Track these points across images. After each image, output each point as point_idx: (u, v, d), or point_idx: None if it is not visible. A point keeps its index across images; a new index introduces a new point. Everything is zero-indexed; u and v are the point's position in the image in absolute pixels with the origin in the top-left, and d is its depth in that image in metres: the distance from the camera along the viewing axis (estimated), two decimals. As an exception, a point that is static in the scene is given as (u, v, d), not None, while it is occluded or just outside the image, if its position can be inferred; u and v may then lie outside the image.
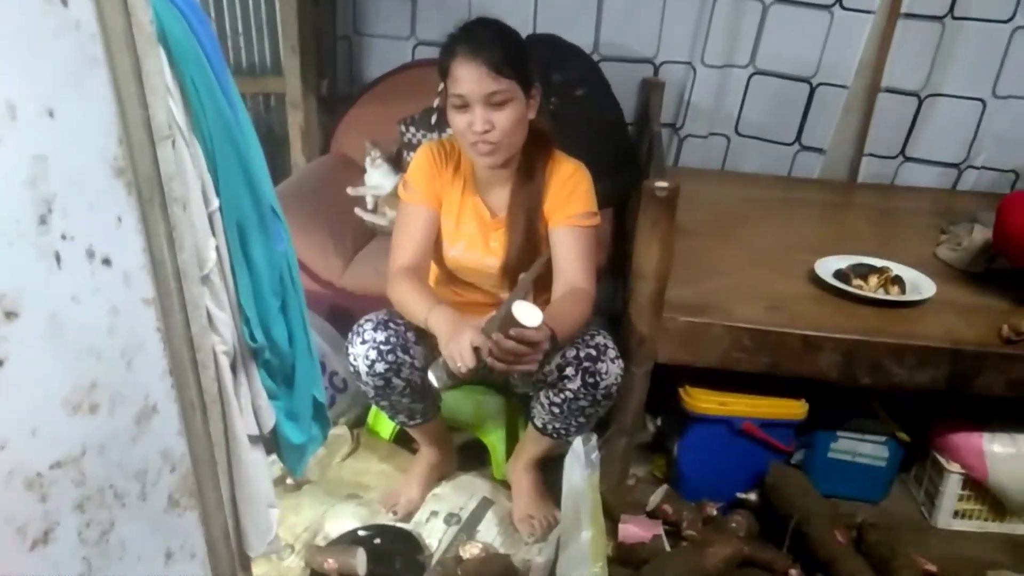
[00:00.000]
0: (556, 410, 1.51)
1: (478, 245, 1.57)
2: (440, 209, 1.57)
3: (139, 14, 0.66)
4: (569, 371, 1.45)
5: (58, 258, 0.61)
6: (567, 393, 1.46)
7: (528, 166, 1.53)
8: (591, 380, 1.44)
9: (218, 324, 0.81)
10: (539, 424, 1.58)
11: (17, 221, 0.59)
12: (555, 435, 1.57)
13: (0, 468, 0.59)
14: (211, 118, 0.76)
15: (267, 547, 0.94)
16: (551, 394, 1.49)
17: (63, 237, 0.62)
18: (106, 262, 0.66)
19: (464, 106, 1.40)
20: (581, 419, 1.52)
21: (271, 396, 0.91)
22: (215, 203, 0.79)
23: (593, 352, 1.44)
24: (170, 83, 0.72)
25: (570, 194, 1.52)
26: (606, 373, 1.44)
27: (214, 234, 0.80)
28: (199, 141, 0.77)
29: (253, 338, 0.85)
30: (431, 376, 1.34)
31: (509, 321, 1.23)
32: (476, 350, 1.26)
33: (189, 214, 0.75)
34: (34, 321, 0.61)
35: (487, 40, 1.39)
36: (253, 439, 0.89)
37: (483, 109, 1.39)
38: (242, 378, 0.87)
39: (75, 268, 0.63)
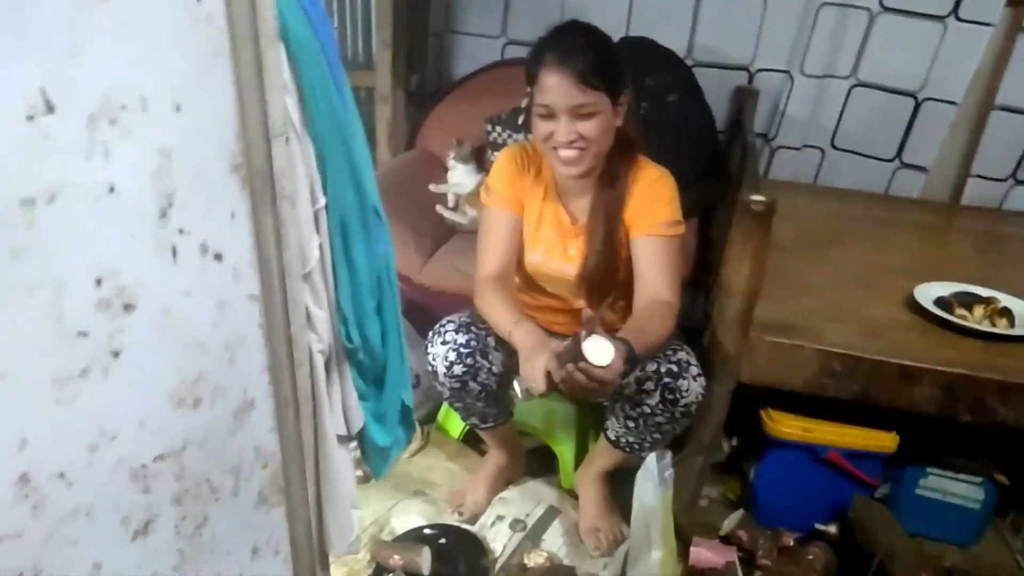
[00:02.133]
0: (632, 424, 1.47)
1: (557, 251, 1.55)
2: (520, 211, 1.54)
3: (263, 9, 0.65)
4: (648, 386, 1.41)
5: (174, 252, 0.62)
6: (644, 408, 1.43)
7: (611, 172, 1.48)
8: (671, 397, 1.40)
9: (316, 322, 0.81)
10: (612, 437, 1.55)
11: (140, 214, 0.59)
12: (628, 449, 1.54)
13: (109, 458, 0.60)
14: (324, 117, 0.75)
15: (348, 547, 0.94)
16: (628, 408, 1.46)
17: (180, 231, 0.62)
18: (218, 257, 0.67)
19: (549, 115, 1.37)
20: (657, 435, 1.48)
21: (361, 397, 0.90)
22: (321, 201, 0.78)
23: (675, 368, 1.40)
24: (288, 80, 0.72)
25: (653, 202, 1.46)
26: (687, 391, 1.40)
27: (318, 232, 0.79)
28: (311, 139, 0.76)
29: (349, 338, 0.84)
30: (515, 387, 1.32)
31: (579, 357, 1.20)
32: (549, 375, 1.24)
33: (296, 211, 0.75)
34: (148, 314, 0.61)
35: (577, 49, 1.34)
36: (341, 439, 0.89)
37: (568, 120, 1.35)
38: (334, 377, 0.87)
39: (189, 262, 0.64)
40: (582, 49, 1.34)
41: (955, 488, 1.69)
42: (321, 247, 0.80)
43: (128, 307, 0.59)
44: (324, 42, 0.74)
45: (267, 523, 0.82)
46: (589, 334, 1.20)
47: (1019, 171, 2.27)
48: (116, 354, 0.59)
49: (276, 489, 0.81)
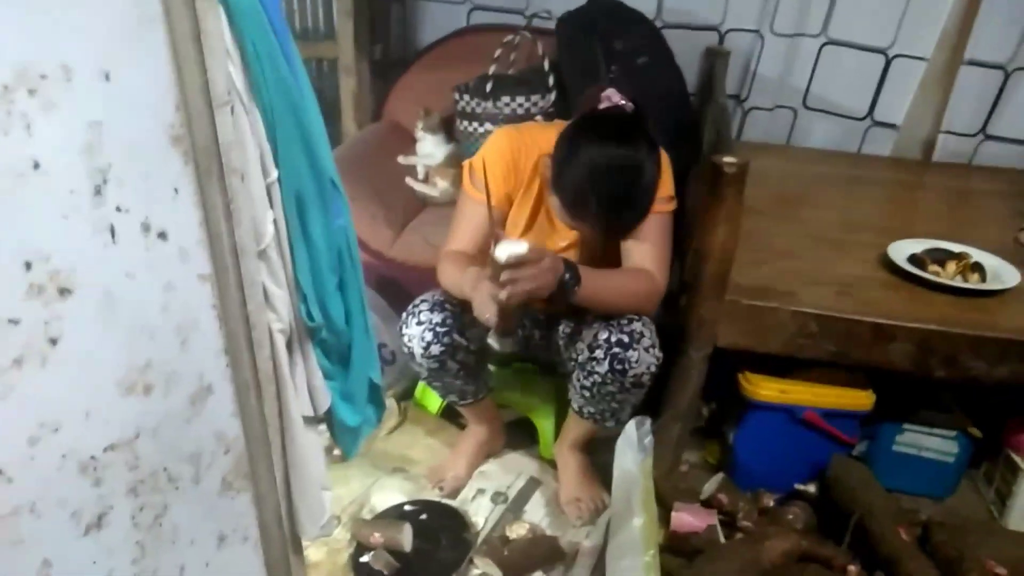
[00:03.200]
0: (587, 393, 1.47)
1: (551, 235, 1.52)
2: (507, 208, 1.49)
3: (198, -30, 0.61)
4: (598, 353, 1.39)
5: (113, 232, 0.58)
6: (595, 377, 1.42)
7: None
8: (619, 367, 1.38)
9: (275, 301, 0.78)
10: (575, 407, 1.54)
11: (72, 192, 0.55)
12: (590, 418, 1.53)
13: (54, 452, 0.57)
14: (272, 84, 0.71)
15: (320, 530, 0.92)
16: (581, 376, 1.45)
17: (118, 209, 0.58)
18: (162, 236, 0.63)
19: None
20: (613, 404, 1.47)
21: (327, 376, 0.88)
22: (274, 174, 0.75)
23: (625, 338, 1.38)
24: (230, 46, 0.67)
25: None
26: (636, 362, 1.38)
27: (272, 207, 0.76)
28: (259, 109, 0.72)
29: (310, 316, 0.81)
30: (490, 341, 1.32)
31: (495, 266, 1.21)
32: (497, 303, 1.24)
33: (247, 185, 0.71)
34: (88, 298, 0.58)
35: (629, 216, 1.36)
36: (307, 420, 0.86)
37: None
38: (298, 357, 0.84)
39: (130, 242, 0.60)
40: (632, 212, 1.36)
41: (930, 443, 1.71)
42: (276, 222, 0.76)
43: (64, 291, 0.55)
44: (267, 5, 0.69)
45: (233, 510, 0.79)
46: (498, 240, 1.21)
47: (988, 126, 2.27)
48: (54, 342, 0.55)
49: (241, 475, 0.79)
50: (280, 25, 0.71)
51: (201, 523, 0.75)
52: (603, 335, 1.39)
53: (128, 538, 0.65)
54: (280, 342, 0.80)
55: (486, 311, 1.25)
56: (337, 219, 0.82)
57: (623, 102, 1.38)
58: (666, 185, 1.44)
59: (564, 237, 1.51)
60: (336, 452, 1.72)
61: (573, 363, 1.47)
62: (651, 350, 1.40)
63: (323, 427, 0.95)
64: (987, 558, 1.48)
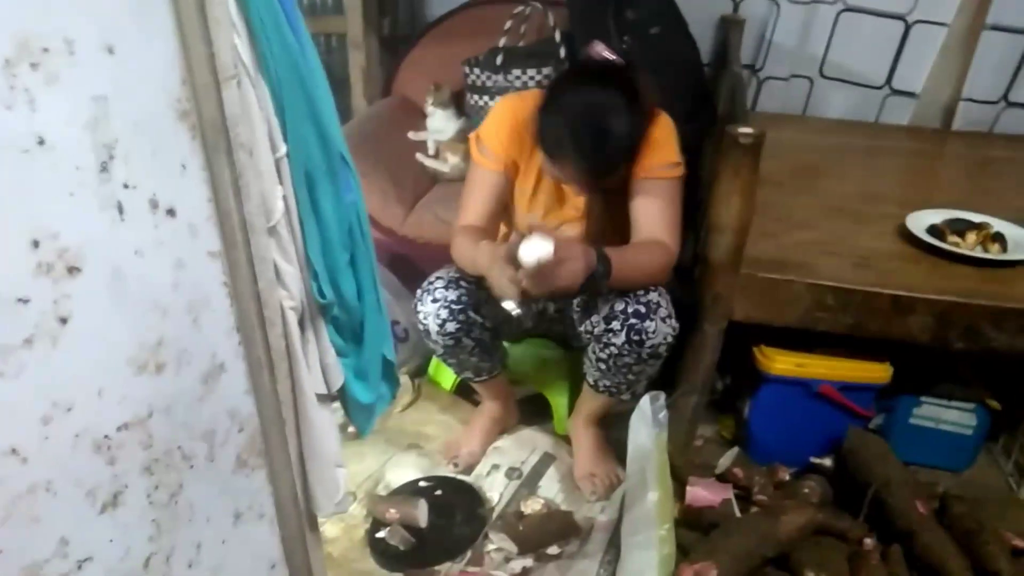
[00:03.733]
0: (603, 366, 1.45)
1: (555, 213, 1.51)
2: (513, 174, 1.48)
3: (201, -60, 0.60)
4: (615, 325, 1.38)
5: (121, 208, 0.57)
6: (612, 349, 1.41)
7: None
8: (636, 338, 1.37)
9: (286, 278, 0.77)
10: (591, 380, 1.54)
11: (77, 168, 0.54)
12: (605, 392, 1.53)
13: (67, 431, 0.56)
14: (279, 58, 0.70)
15: (335, 507, 0.92)
16: (597, 349, 1.44)
17: (125, 186, 0.57)
18: (170, 212, 0.62)
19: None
20: (630, 376, 1.46)
21: (339, 354, 0.87)
22: (283, 149, 0.73)
23: (642, 309, 1.37)
24: (236, 19, 0.66)
25: (649, 144, 1.40)
26: (653, 332, 1.37)
27: (281, 183, 0.75)
28: (266, 82, 0.71)
29: (322, 293, 0.80)
30: (506, 306, 1.28)
31: (515, 262, 1.19)
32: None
33: (255, 161, 0.70)
34: (97, 276, 0.57)
35: (598, 155, 1.30)
36: (321, 398, 0.86)
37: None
38: (310, 335, 0.83)
39: (138, 219, 0.59)
40: (606, 155, 1.31)
41: (948, 415, 1.69)
42: (285, 198, 0.75)
43: (73, 270, 0.55)
44: (272, -26, 0.68)
45: (248, 487, 0.79)
46: (528, 235, 1.18)
47: (1010, 92, 2.22)
48: (64, 320, 0.55)
49: (255, 452, 0.79)
50: (287, -3, 0.69)
51: (217, 500, 0.75)
52: (619, 306, 1.38)
53: (144, 516, 0.66)
54: (292, 319, 0.79)
55: (507, 292, 1.22)
56: (347, 194, 0.80)
57: (612, 56, 1.36)
58: (670, 150, 1.42)
59: (573, 205, 1.50)
60: (351, 429, 1.75)
61: (589, 336, 1.46)
62: (668, 320, 1.39)
63: (337, 404, 0.95)
64: (1005, 531, 1.47)
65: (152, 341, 0.63)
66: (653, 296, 1.39)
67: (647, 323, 1.37)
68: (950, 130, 2.29)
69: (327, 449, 0.88)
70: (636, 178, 1.41)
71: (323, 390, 0.85)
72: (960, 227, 1.61)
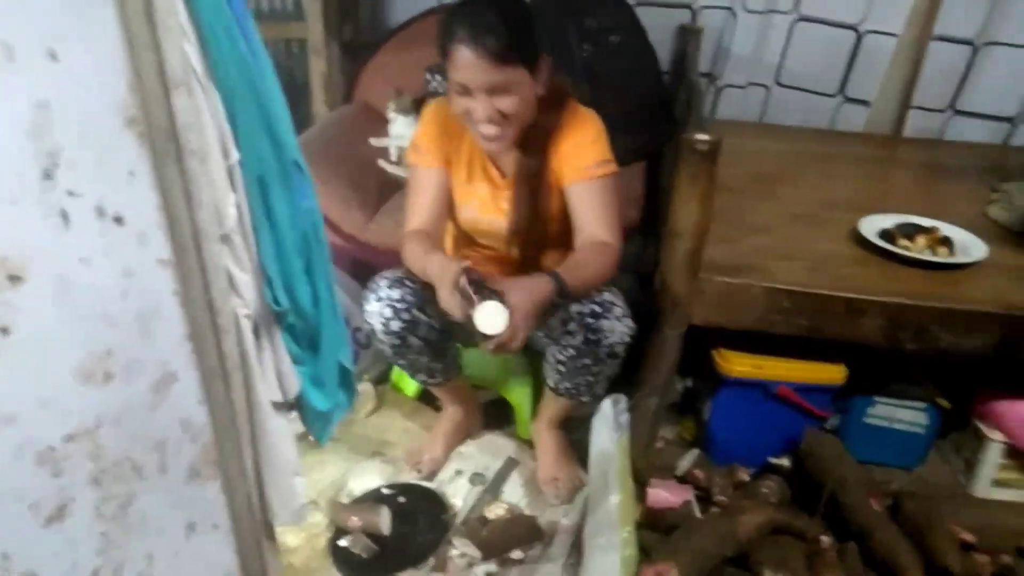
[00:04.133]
0: (562, 368, 1.47)
1: (489, 206, 1.51)
2: (448, 169, 1.50)
3: (148, -55, 0.59)
4: (572, 327, 1.39)
5: (65, 216, 0.56)
6: (570, 351, 1.42)
7: (539, 125, 1.44)
8: (593, 338, 1.38)
9: (239, 286, 0.76)
10: (551, 384, 1.54)
11: (20, 176, 0.53)
12: (566, 394, 1.53)
13: (8, 443, 0.55)
14: (230, 64, 0.69)
15: (292, 516, 0.91)
16: (556, 351, 1.45)
17: (70, 194, 0.56)
18: (118, 220, 0.61)
19: (465, 92, 1.31)
20: (589, 377, 1.47)
21: (295, 361, 0.87)
22: (235, 156, 0.73)
23: (598, 309, 1.39)
24: (185, 24, 0.65)
25: (579, 146, 1.42)
26: (610, 331, 1.38)
27: (234, 190, 0.74)
28: (217, 89, 0.70)
29: (276, 301, 0.80)
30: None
31: (474, 326, 1.20)
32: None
33: (207, 167, 0.70)
34: (41, 285, 0.56)
35: (489, 24, 1.25)
36: (277, 406, 0.85)
37: (485, 97, 1.30)
38: (265, 343, 0.82)
39: (84, 227, 0.58)
40: (494, 24, 1.26)
41: (900, 415, 1.74)
42: (239, 205, 0.74)
43: (14, 279, 0.54)
44: (223, -19, 0.67)
45: (202, 498, 0.78)
46: (481, 300, 1.19)
47: (957, 101, 2.29)
48: (5, 331, 0.54)
49: (209, 462, 0.78)
50: (239, 4, 0.69)
51: (169, 512, 0.74)
52: (574, 308, 1.39)
53: (92, 529, 0.64)
54: (246, 327, 0.78)
55: (455, 311, 1.24)
56: (303, 201, 0.80)
57: None
58: (600, 149, 1.43)
59: (506, 199, 1.50)
60: (312, 437, 1.73)
61: (547, 339, 1.47)
62: (623, 319, 1.40)
63: (294, 413, 0.94)
64: (955, 526, 1.52)
65: (100, 351, 0.62)
66: (607, 296, 1.41)
67: (603, 322, 1.38)
68: (901, 137, 2.35)
69: (284, 458, 0.87)
70: (570, 181, 1.42)
71: (279, 398, 0.85)
72: (910, 231, 1.66)
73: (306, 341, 0.87)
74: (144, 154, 0.63)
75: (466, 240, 1.60)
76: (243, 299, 0.77)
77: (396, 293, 1.43)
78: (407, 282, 1.45)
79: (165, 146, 0.65)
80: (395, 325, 1.43)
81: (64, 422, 0.60)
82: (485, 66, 1.26)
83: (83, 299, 0.60)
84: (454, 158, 1.50)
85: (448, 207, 1.53)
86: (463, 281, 1.22)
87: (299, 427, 0.99)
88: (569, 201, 1.44)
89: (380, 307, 1.43)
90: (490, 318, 1.18)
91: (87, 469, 0.63)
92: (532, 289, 1.26)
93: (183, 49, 0.65)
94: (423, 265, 1.36)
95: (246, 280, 0.77)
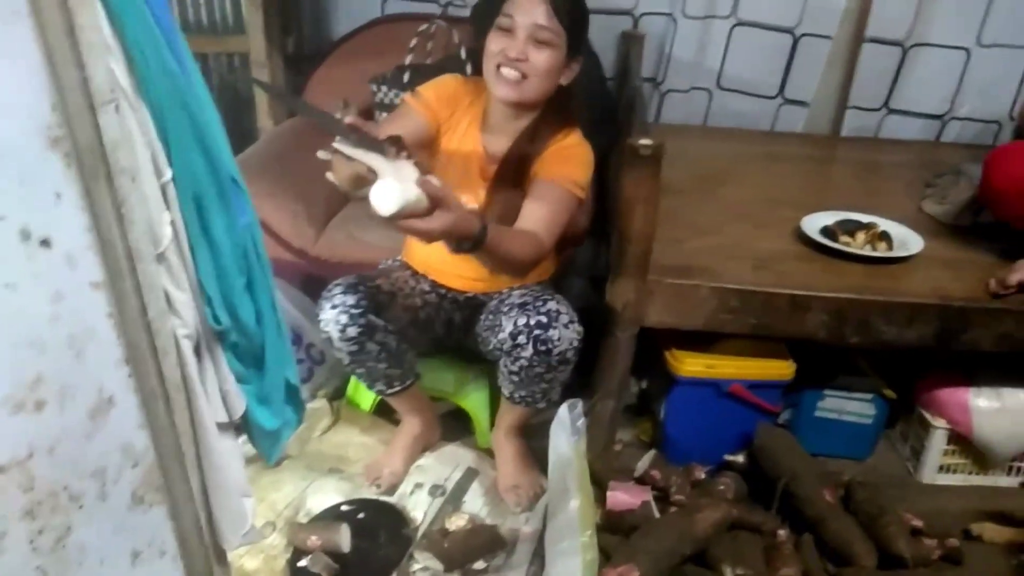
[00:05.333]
0: (515, 378, 1.48)
1: (463, 187, 1.50)
2: (434, 132, 1.53)
3: (67, -39, 0.58)
4: (521, 339, 1.41)
5: (-14, 241, 0.54)
6: (522, 361, 1.44)
7: (538, 127, 1.50)
8: (543, 348, 1.40)
9: (178, 306, 0.75)
10: (506, 393, 1.55)
11: (-66, 201, 0.52)
12: (522, 402, 1.55)
13: (-68, 478, 0.53)
14: (158, 80, 0.68)
15: (243, 539, 0.89)
16: (508, 363, 1.47)
17: (-9, 218, 0.55)
18: (44, 243, 0.59)
19: (509, 29, 1.39)
20: (543, 385, 1.49)
21: (240, 380, 0.85)
22: (168, 174, 0.71)
23: (544, 319, 1.40)
24: (110, 41, 0.64)
25: (566, 159, 1.48)
26: (558, 340, 1.40)
27: (168, 208, 0.73)
28: (147, 105, 0.69)
29: (217, 319, 0.78)
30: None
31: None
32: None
33: (139, 186, 0.68)
34: (-38, 313, 0.54)
35: None
36: (222, 427, 0.83)
37: (525, 40, 1.39)
38: (207, 363, 0.80)
39: (7, 251, 0.56)
40: None
41: (849, 407, 1.79)
42: (174, 224, 0.73)
43: (-68, 308, 0.52)
44: (148, -4, 0.66)
45: (146, 524, 0.76)
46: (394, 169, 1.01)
47: (891, 100, 2.38)
48: (-76, 362, 0.52)
49: (153, 487, 0.76)
50: (164, 16, 0.68)
51: (111, 541, 0.72)
52: (522, 320, 1.41)
53: (26, 564, 0.62)
54: (187, 348, 0.77)
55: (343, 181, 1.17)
56: (241, 217, 0.79)
57: None
58: (582, 172, 1.48)
59: (482, 185, 1.52)
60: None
61: (499, 352, 1.48)
62: (570, 326, 1.42)
63: (243, 434, 0.93)
64: (905, 512, 1.56)
65: (29, 378, 0.60)
66: (552, 305, 1.42)
67: (551, 332, 1.40)
68: (840, 136, 2.43)
69: (231, 479, 0.86)
70: (540, 177, 1.44)
71: (224, 418, 0.83)
72: (850, 227, 1.71)
73: (250, 359, 0.85)
74: (71, 174, 0.61)
75: None
76: (182, 319, 0.75)
77: (351, 298, 1.42)
78: (362, 287, 1.45)
79: (93, 165, 0.63)
80: (352, 331, 1.42)
81: (-7, 454, 0.58)
82: (540, 8, 1.38)
83: (9, 326, 0.58)
84: (447, 129, 1.54)
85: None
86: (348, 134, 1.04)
87: (249, 448, 0.97)
88: (530, 192, 1.44)
89: (335, 314, 1.42)
90: (383, 193, 1.00)
91: (19, 502, 0.61)
92: (461, 205, 1.17)
93: (108, 66, 0.63)
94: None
95: (184, 299, 0.75)
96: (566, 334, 1.41)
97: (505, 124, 1.51)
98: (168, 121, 0.70)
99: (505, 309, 1.46)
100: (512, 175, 1.49)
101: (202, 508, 0.83)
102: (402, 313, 1.52)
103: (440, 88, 1.54)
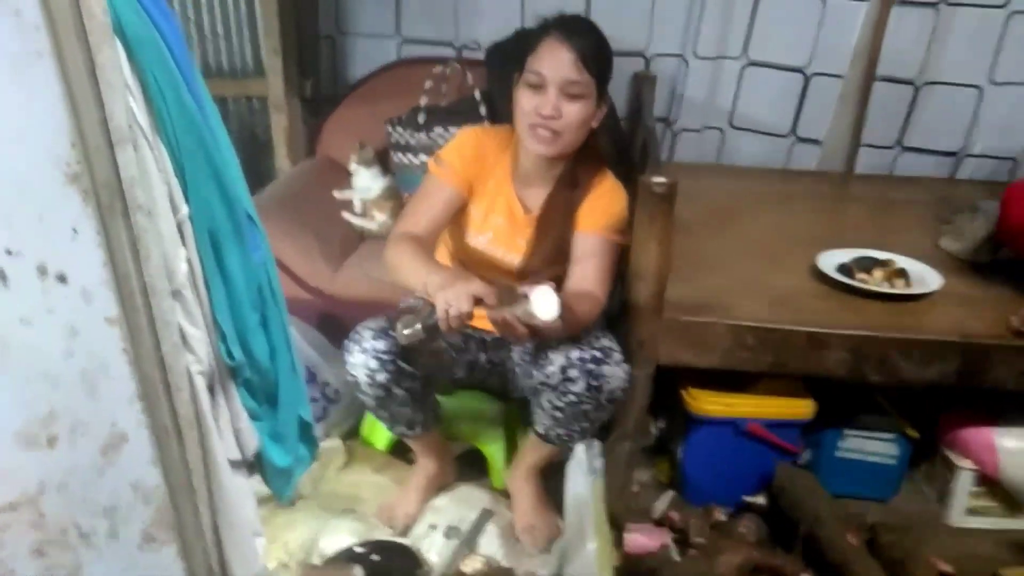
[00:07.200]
0: (559, 415, 1.45)
1: (503, 239, 1.53)
2: (467, 194, 1.53)
3: (90, 3, 0.59)
4: (573, 373, 1.39)
5: (3, 276, 0.55)
6: (571, 397, 1.41)
7: (573, 172, 1.51)
8: (596, 384, 1.38)
9: (192, 342, 0.75)
10: (541, 431, 1.52)
11: (-46, 236, 0.52)
12: (557, 441, 1.52)
13: (-58, 514, 0.53)
14: (176, 118, 0.69)
15: (253, 579, 0.88)
16: (554, 398, 1.43)
17: (8, 252, 0.55)
18: (61, 279, 0.60)
19: (539, 86, 1.39)
20: (585, 423, 1.47)
21: (253, 417, 0.84)
22: (184, 210, 0.72)
23: (599, 355, 1.39)
24: (130, 80, 0.66)
25: (607, 206, 1.50)
26: (611, 376, 1.39)
27: (184, 244, 0.73)
28: (164, 143, 0.70)
29: (231, 355, 0.78)
30: (399, 325, 1.25)
31: (519, 303, 1.20)
32: (477, 302, 1.21)
33: (155, 223, 0.69)
34: (-22, 347, 0.54)
35: (582, 31, 1.41)
36: (235, 464, 0.83)
37: (557, 95, 1.39)
38: (220, 399, 0.80)
39: (24, 286, 0.57)
40: (587, 31, 1.42)
41: (871, 446, 1.74)
42: (189, 260, 0.73)
43: (-51, 342, 0.52)
44: (169, 39, 0.68)
45: (157, 563, 0.75)
46: (535, 283, 1.19)
47: (904, 138, 2.38)
48: (-61, 396, 0.52)
49: (164, 526, 0.75)
50: (183, 57, 0.69)
51: (120, 580, 0.71)
52: (575, 354, 1.39)
53: (34, 603, 0.61)
54: (200, 384, 0.76)
55: (456, 305, 1.19)
56: (255, 253, 0.79)
57: None
58: (620, 218, 1.51)
59: (524, 236, 1.53)
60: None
61: (544, 386, 1.44)
62: (621, 364, 1.41)
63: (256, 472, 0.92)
64: (932, 556, 1.51)
65: (42, 413, 0.60)
66: (606, 341, 1.42)
67: (604, 367, 1.38)
68: (853, 174, 2.42)
69: (243, 517, 0.84)
70: (584, 232, 1.47)
71: (236, 456, 0.82)
72: (867, 264, 1.69)
73: (264, 396, 0.85)
74: (88, 211, 0.62)
75: (465, 268, 1.61)
76: (196, 355, 0.75)
77: (381, 344, 1.41)
78: (391, 332, 1.44)
79: (110, 202, 0.64)
80: (381, 377, 1.41)
81: (3, 490, 0.58)
82: (570, 61, 1.37)
83: (23, 360, 0.58)
84: (479, 187, 1.53)
85: (445, 226, 1.54)
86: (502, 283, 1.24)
87: (262, 488, 0.96)
88: (576, 248, 1.49)
89: (365, 359, 1.41)
90: (547, 303, 1.18)
91: (29, 539, 0.60)
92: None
93: (128, 105, 0.64)
94: (416, 268, 1.35)
95: (199, 335, 0.75)
96: (618, 372, 1.40)
97: (539, 173, 1.52)
98: (185, 158, 0.71)
99: (554, 343, 1.45)
100: (554, 225, 1.50)
101: (213, 547, 0.82)
102: (429, 358, 1.50)
103: (463, 148, 1.53)
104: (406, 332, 1.23)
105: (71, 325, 0.62)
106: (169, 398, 0.73)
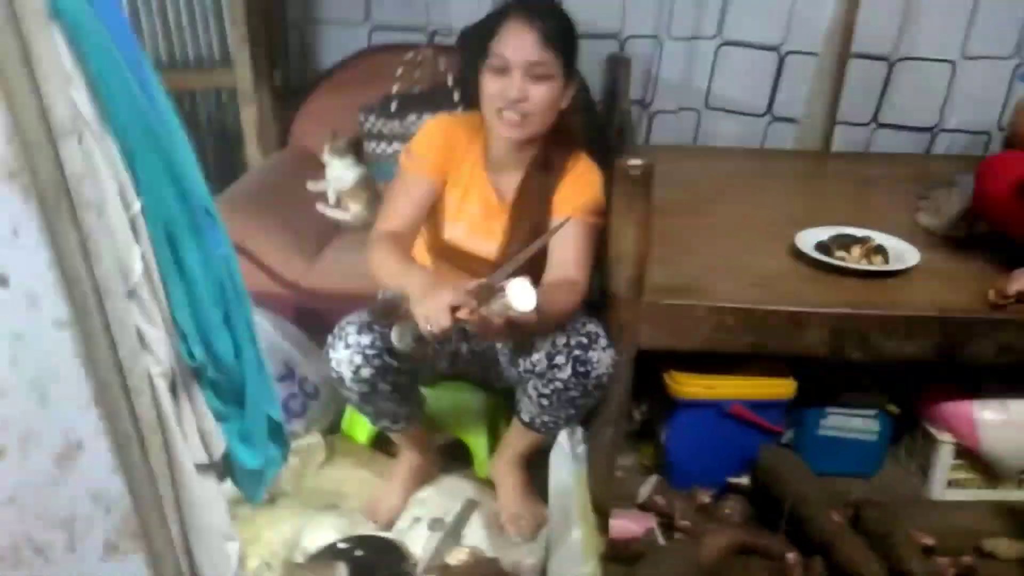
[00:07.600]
0: (545, 402, 1.43)
1: (480, 228, 1.51)
2: (442, 184, 1.51)
3: (23, -11, 0.56)
4: (559, 359, 1.37)
5: (-63, 281, 0.52)
6: (557, 383, 1.39)
7: (545, 156, 1.49)
8: (582, 369, 1.37)
9: (151, 343, 0.72)
10: (526, 419, 1.51)
11: None
12: (543, 429, 1.50)
13: None
14: (123, 109, 0.66)
15: (226, 584, 0.86)
16: (540, 385, 1.42)
17: (-58, 256, 0.52)
18: (1, 282, 0.57)
19: (503, 70, 1.37)
20: (571, 410, 1.45)
21: (220, 418, 0.82)
22: (136, 205, 0.69)
23: (584, 340, 1.38)
24: (71, 70, 0.62)
25: (582, 189, 1.47)
26: (597, 362, 1.38)
27: (138, 241, 0.70)
28: (113, 136, 0.67)
29: (192, 355, 0.75)
30: (393, 336, 1.28)
31: (497, 297, 1.19)
32: (454, 311, 1.19)
33: (106, 220, 0.66)
34: (-87, 357, 0.51)
35: (543, 11, 1.38)
36: (202, 468, 0.80)
37: (522, 77, 1.36)
38: (184, 402, 0.77)
39: (-39, 292, 0.54)
40: (548, 11, 1.39)
41: (852, 424, 1.75)
42: (144, 257, 0.70)
43: None
44: (112, 26, 0.64)
45: (122, 572, 0.72)
46: (507, 274, 1.19)
47: (879, 115, 2.37)
48: None
49: (128, 535, 0.72)
50: (128, 44, 0.66)
51: (82, 594, 0.68)
52: (561, 340, 1.38)
53: (-13, 623, 0.59)
54: (162, 386, 0.74)
55: (435, 322, 1.19)
56: (216, 248, 0.76)
57: None
58: (598, 200, 1.48)
59: (500, 223, 1.50)
60: (265, 496, 1.66)
61: (529, 373, 1.43)
62: (608, 350, 1.40)
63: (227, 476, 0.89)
64: (916, 530, 1.52)
65: (-12, 424, 0.57)
66: (592, 327, 1.40)
67: (591, 353, 1.37)
68: (830, 152, 2.41)
69: (214, 522, 0.82)
70: (560, 215, 1.44)
71: (203, 459, 0.80)
72: (845, 242, 1.69)
73: (230, 396, 0.82)
74: (30, 209, 0.59)
75: (438, 259, 1.59)
76: (156, 356, 0.72)
77: (366, 339, 1.39)
78: (375, 327, 1.41)
79: (55, 199, 0.61)
80: (366, 372, 1.39)
81: (-53, 506, 0.55)
82: (533, 41, 1.35)
83: (-35, 369, 0.55)
84: (452, 175, 1.51)
85: (424, 218, 1.52)
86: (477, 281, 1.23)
87: (235, 489, 0.93)
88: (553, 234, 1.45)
89: (349, 354, 1.39)
90: (524, 294, 1.18)
91: (-21, 556, 0.57)
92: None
93: (70, 96, 0.61)
94: (396, 272, 1.35)
95: (158, 336, 0.72)
96: (604, 357, 1.39)
97: (511, 159, 1.50)
98: (136, 151, 0.68)
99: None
100: (530, 209, 1.48)
101: (183, 554, 0.80)
102: (413, 351, 1.48)
103: (432, 138, 1.51)
104: (400, 345, 1.28)
105: (15, 331, 0.59)
106: (129, 402, 0.70)
